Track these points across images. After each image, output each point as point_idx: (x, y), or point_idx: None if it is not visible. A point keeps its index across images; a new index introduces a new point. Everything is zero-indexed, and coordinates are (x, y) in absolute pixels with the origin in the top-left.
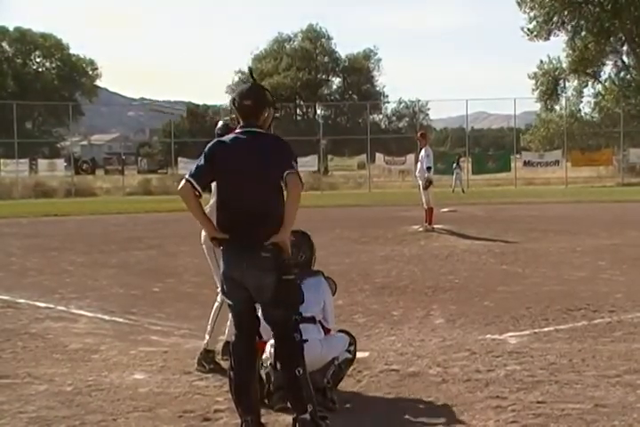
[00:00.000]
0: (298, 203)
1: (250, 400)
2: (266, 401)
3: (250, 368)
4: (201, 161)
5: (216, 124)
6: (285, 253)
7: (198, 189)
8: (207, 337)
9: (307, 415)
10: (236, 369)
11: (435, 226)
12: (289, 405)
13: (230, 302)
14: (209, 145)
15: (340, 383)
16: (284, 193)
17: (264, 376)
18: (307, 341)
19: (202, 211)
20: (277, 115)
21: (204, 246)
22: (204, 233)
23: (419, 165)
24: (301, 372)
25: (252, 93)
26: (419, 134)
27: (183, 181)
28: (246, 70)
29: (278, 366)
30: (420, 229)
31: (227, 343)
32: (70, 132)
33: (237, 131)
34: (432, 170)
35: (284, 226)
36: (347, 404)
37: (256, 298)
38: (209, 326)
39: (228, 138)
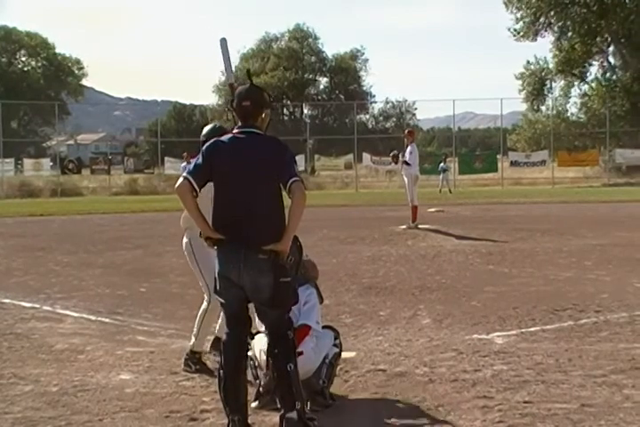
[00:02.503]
0: (302, 211)
1: (238, 400)
2: (256, 403)
3: (239, 369)
4: (199, 160)
5: (202, 128)
6: (282, 256)
7: (196, 187)
8: (193, 339)
9: (294, 414)
10: (226, 369)
11: (420, 225)
12: (277, 402)
13: (223, 302)
14: (207, 144)
15: None
16: (282, 195)
17: (252, 377)
18: (302, 353)
19: (198, 210)
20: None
21: (185, 253)
22: (185, 239)
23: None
24: (292, 367)
25: (251, 94)
26: (406, 132)
27: (181, 179)
28: (234, 70)
29: (270, 362)
30: (404, 226)
31: (217, 339)
32: (56, 132)
33: (235, 131)
34: (414, 168)
35: (287, 234)
36: (334, 404)
37: (251, 298)
38: (195, 329)
39: (226, 138)
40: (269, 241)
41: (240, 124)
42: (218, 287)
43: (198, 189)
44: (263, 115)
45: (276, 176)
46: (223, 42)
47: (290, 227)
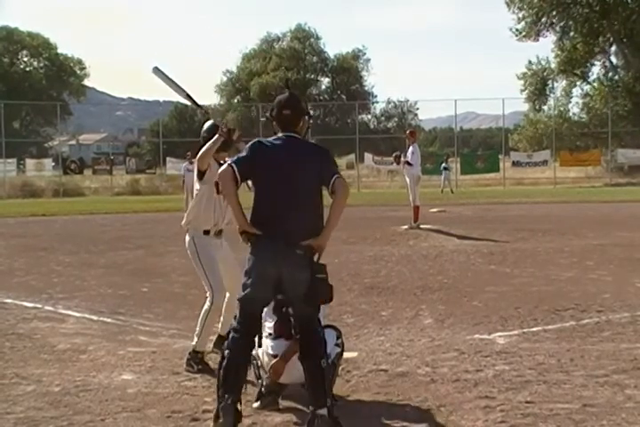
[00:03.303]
0: (343, 207)
1: (237, 380)
2: (257, 403)
3: (245, 361)
4: (243, 153)
5: (203, 124)
6: (320, 252)
7: (238, 177)
8: (196, 339)
9: (324, 411)
10: (232, 354)
11: (422, 225)
12: (308, 397)
13: (246, 298)
14: (251, 143)
15: None
16: (322, 194)
17: (255, 376)
18: None
19: (237, 199)
20: (311, 122)
21: (188, 252)
22: (187, 238)
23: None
24: (325, 364)
25: (291, 103)
26: (408, 132)
27: (225, 166)
28: (235, 70)
29: (302, 358)
30: (405, 226)
31: (220, 338)
32: (58, 132)
33: (278, 135)
34: (416, 168)
35: (326, 230)
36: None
37: (289, 293)
38: (197, 328)
39: (269, 138)
40: (308, 237)
41: (280, 131)
42: (246, 283)
43: (240, 180)
44: (302, 122)
45: (317, 175)
46: (156, 70)
47: (330, 223)
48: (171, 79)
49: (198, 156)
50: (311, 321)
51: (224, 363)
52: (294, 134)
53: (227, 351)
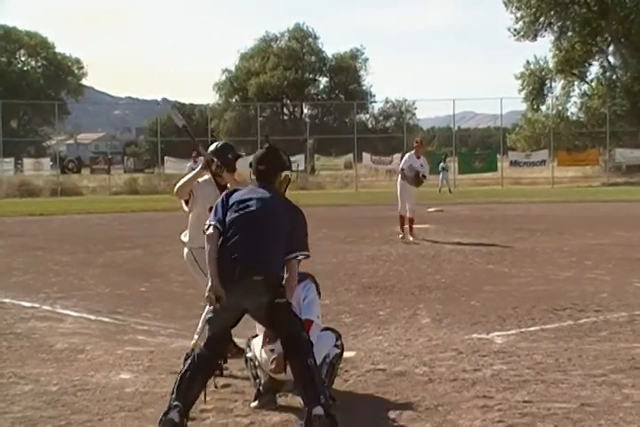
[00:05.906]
0: (297, 282)
1: (189, 391)
2: (255, 402)
3: (204, 373)
4: (218, 206)
5: (210, 144)
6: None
7: (221, 228)
8: (196, 337)
9: (319, 410)
10: (193, 365)
11: (412, 232)
12: (301, 398)
13: (210, 322)
14: (226, 192)
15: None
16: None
17: (252, 376)
18: None
19: (216, 260)
20: (292, 177)
21: (187, 263)
22: (186, 250)
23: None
24: (312, 362)
25: (266, 159)
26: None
27: (211, 228)
28: (234, 69)
29: (287, 358)
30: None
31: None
32: (56, 131)
33: (256, 184)
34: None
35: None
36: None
37: (255, 317)
38: (200, 324)
39: (245, 188)
40: (266, 267)
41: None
42: (211, 309)
43: (223, 229)
44: (281, 178)
45: (285, 234)
46: (174, 109)
47: (288, 287)
48: (182, 119)
49: (177, 186)
50: (290, 328)
51: (182, 373)
52: (271, 188)
53: (189, 363)
